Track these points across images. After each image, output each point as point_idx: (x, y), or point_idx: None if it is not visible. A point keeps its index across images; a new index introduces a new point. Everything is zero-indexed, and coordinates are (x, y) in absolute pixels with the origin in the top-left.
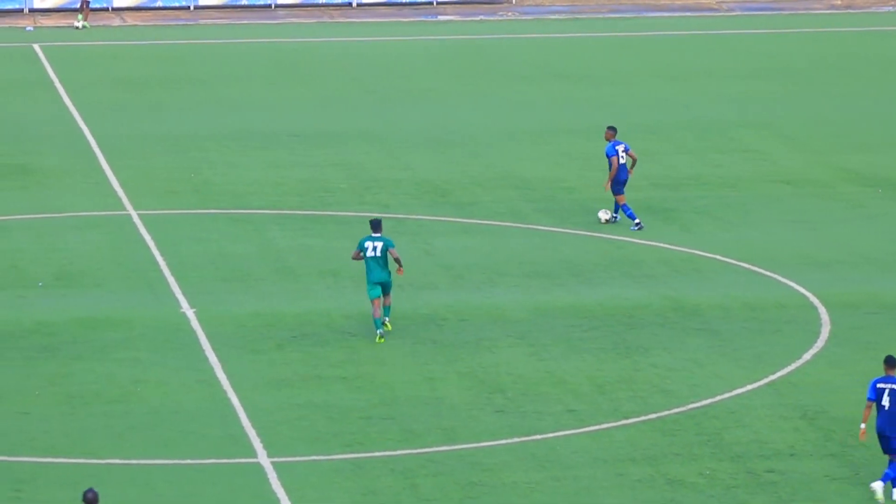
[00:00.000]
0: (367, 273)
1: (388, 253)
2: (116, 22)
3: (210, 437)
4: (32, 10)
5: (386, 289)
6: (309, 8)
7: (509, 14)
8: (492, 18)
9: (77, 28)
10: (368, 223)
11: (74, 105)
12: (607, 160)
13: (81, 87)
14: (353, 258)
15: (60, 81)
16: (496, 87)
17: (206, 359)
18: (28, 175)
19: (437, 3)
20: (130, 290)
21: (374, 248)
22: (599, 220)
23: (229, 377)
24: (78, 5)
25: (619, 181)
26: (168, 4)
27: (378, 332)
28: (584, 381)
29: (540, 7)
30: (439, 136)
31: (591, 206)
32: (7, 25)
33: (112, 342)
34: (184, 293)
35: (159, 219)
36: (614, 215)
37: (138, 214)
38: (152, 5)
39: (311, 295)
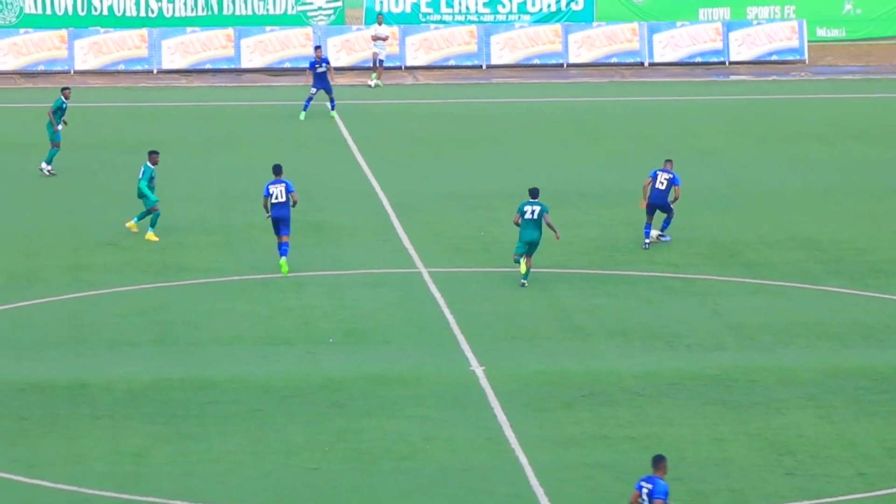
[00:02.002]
0: (521, 232)
1: (542, 217)
2: (409, 80)
3: (497, 496)
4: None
5: (532, 249)
6: (601, 67)
7: (802, 74)
8: (784, 79)
9: (370, 86)
10: (528, 190)
11: (366, 162)
12: None
13: (373, 144)
14: (515, 222)
15: (353, 139)
16: (787, 147)
17: (494, 417)
18: (321, 232)
19: (730, 63)
20: (420, 347)
21: (532, 212)
22: None
23: (517, 435)
24: (371, 64)
25: None
26: (460, 63)
27: (523, 280)
28: (874, 445)
29: (834, 67)
30: (729, 196)
31: (883, 268)
32: (301, 84)
33: (401, 399)
34: (472, 351)
35: (449, 276)
36: None
37: (428, 272)
38: (444, 64)
39: (599, 354)
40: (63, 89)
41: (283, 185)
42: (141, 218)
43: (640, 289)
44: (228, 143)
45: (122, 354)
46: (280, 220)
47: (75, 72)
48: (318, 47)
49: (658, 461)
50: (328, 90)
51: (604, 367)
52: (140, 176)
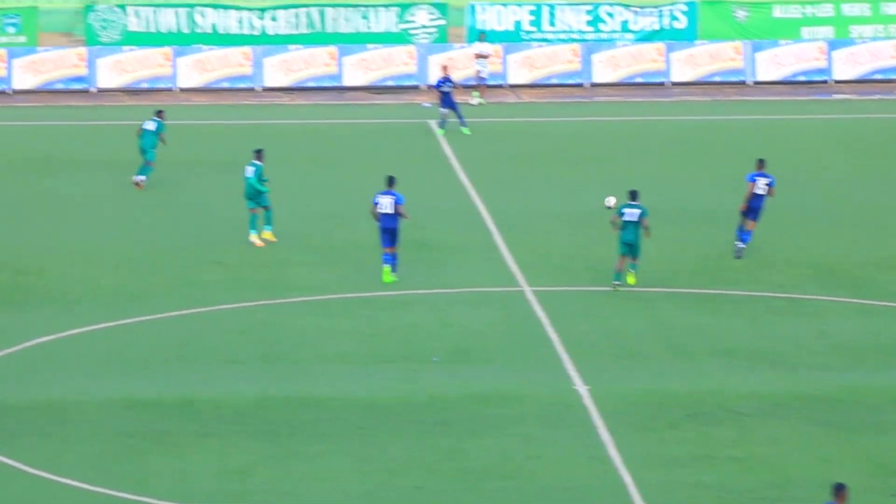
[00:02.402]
0: (622, 233)
1: (641, 220)
2: (511, 99)
3: None
4: (430, 87)
5: (633, 251)
6: (704, 86)
7: None
8: (889, 97)
9: (473, 105)
10: (628, 192)
11: (470, 180)
12: None
13: (476, 162)
14: (612, 222)
15: (456, 157)
16: (892, 165)
17: (597, 436)
18: (425, 250)
19: (834, 82)
20: (523, 366)
21: (632, 215)
22: None
23: (621, 455)
24: (473, 82)
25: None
26: (563, 82)
27: (615, 283)
28: None
29: None
30: (834, 215)
31: None
32: (404, 102)
33: (505, 418)
34: (577, 370)
35: (552, 295)
36: None
37: (532, 290)
38: (547, 82)
39: (703, 373)
40: (158, 112)
41: (392, 196)
42: (255, 226)
43: (744, 308)
44: (332, 161)
45: (228, 372)
46: (386, 230)
47: (179, 89)
48: (444, 66)
49: (839, 490)
50: (454, 108)
51: (709, 387)
52: (250, 175)
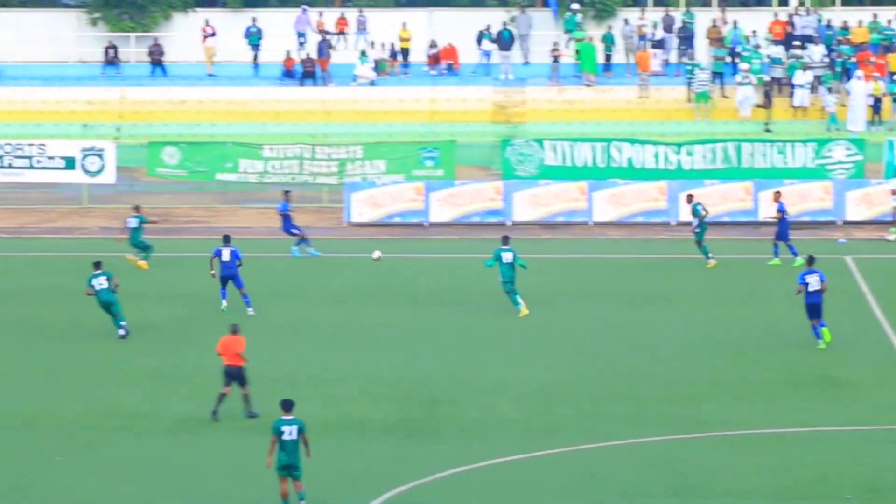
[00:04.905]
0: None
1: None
2: None
3: None
4: (846, 223)
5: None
6: None
7: None
8: None
9: (889, 241)
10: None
11: (885, 316)
12: None
13: (892, 300)
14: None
15: (871, 293)
16: None
17: None
18: (838, 387)
19: None
20: None
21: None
22: None
23: None
24: (890, 218)
25: None
26: None
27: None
28: None
29: None
30: None
31: None
32: (820, 238)
33: None
34: None
35: None
36: None
37: None
38: None
39: None
40: None
41: (817, 274)
42: None
43: None
44: (740, 296)
45: None
46: (811, 306)
47: (594, 223)
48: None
49: None
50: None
51: None
52: None
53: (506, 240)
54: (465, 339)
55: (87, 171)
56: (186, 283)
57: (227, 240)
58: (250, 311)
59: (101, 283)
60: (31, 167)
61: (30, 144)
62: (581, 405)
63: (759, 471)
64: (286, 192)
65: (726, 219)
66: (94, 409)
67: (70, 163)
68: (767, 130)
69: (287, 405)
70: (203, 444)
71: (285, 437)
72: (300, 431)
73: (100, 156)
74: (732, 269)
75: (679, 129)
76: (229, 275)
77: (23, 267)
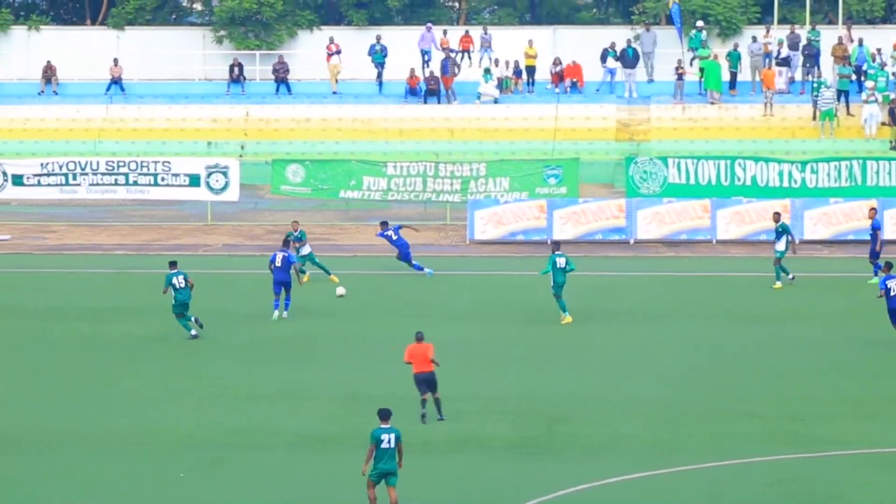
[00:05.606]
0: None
1: None
2: None
3: None
4: None
5: None
6: None
7: None
8: None
9: None
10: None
11: None
12: None
13: None
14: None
15: None
16: None
17: None
18: None
19: None
20: None
21: None
22: None
23: None
24: None
25: None
26: None
27: None
28: None
29: None
30: None
31: None
32: None
33: None
34: None
35: None
36: None
37: None
38: None
39: None
40: None
41: None
42: None
43: None
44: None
45: None
46: None
47: (717, 241)
48: None
49: None
50: None
51: None
52: None
53: (557, 245)
54: (583, 355)
55: (211, 189)
56: (306, 300)
57: (286, 243)
58: (285, 314)
59: (179, 282)
60: (156, 184)
61: (155, 162)
62: (702, 422)
63: (890, 490)
64: (383, 223)
65: (851, 237)
66: (215, 425)
67: (194, 180)
68: (893, 149)
69: (385, 414)
70: (324, 461)
71: (383, 445)
72: (397, 440)
73: (224, 173)
74: (855, 287)
75: (804, 147)
76: (283, 279)
77: (145, 284)
